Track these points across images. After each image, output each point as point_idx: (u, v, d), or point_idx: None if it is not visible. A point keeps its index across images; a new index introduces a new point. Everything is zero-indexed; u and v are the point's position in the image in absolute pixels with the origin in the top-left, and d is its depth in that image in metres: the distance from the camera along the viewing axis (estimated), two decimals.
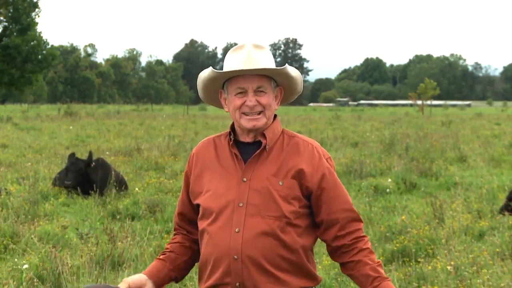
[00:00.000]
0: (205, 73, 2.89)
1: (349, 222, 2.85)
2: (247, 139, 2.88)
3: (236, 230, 2.76)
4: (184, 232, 3.04)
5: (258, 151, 2.84)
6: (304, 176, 2.81)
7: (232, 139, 2.88)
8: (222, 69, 2.85)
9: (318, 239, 2.94)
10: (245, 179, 2.81)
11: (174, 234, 3.09)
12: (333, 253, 2.90)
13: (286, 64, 2.86)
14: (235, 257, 2.75)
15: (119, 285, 2.80)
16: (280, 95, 2.93)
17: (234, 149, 2.87)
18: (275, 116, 2.93)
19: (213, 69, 2.84)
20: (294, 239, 2.79)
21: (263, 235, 2.75)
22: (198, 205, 2.92)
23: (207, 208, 2.85)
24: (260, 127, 2.83)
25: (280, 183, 2.80)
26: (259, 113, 2.82)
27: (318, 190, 2.83)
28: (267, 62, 2.83)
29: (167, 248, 3.03)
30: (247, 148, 2.87)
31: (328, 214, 2.84)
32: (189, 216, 3.01)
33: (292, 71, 2.88)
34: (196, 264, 3.07)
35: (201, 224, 2.90)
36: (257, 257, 2.75)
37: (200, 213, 2.91)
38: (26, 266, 6.32)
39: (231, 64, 2.82)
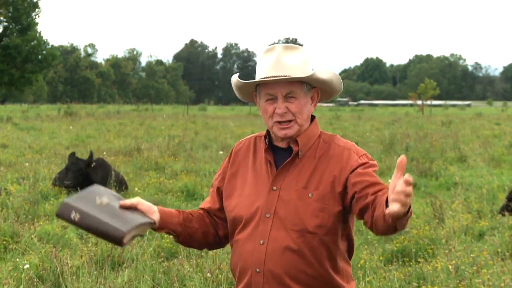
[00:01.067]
0: (233, 79, 2.83)
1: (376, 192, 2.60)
2: (281, 144, 2.78)
3: (261, 242, 2.67)
4: (207, 212, 2.92)
5: (290, 158, 2.74)
6: (334, 181, 2.68)
7: (267, 143, 2.80)
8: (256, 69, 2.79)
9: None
10: (275, 188, 2.72)
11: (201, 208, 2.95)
12: (366, 224, 2.61)
13: (314, 70, 2.72)
14: (258, 270, 2.67)
15: (132, 199, 2.70)
16: (317, 96, 2.81)
17: (269, 155, 2.78)
18: (313, 117, 2.82)
19: (239, 79, 2.78)
20: (321, 255, 2.68)
21: (287, 251, 2.65)
22: (226, 207, 2.84)
23: (238, 215, 2.77)
24: (292, 135, 2.72)
25: (310, 195, 2.68)
26: (290, 121, 2.71)
27: (349, 181, 2.65)
28: (298, 65, 2.71)
29: (200, 209, 2.93)
30: (282, 154, 2.77)
31: (359, 192, 2.60)
32: (213, 210, 2.90)
33: (323, 74, 2.75)
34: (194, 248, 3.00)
35: (232, 234, 2.82)
36: (279, 273, 2.65)
37: (229, 222, 2.83)
38: (27, 266, 6.32)
39: (260, 68, 2.74)
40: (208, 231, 2.89)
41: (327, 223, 2.68)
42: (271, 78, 2.67)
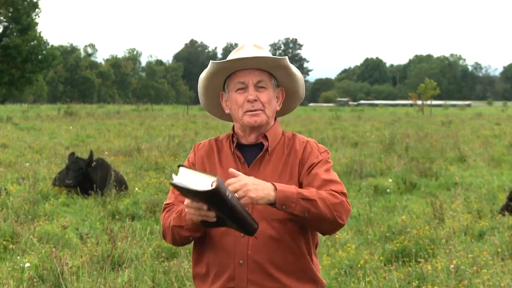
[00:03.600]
0: (205, 70, 2.88)
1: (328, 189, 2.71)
2: (249, 140, 2.85)
3: (242, 235, 2.70)
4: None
5: (261, 153, 2.81)
6: (299, 170, 2.79)
7: (235, 141, 2.85)
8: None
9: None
10: None
11: (166, 207, 2.89)
12: None
13: (286, 56, 2.83)
14: (241, 261, 2.71)
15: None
16: (282, 96, 2.90)
17: (237, 152, 2.83)
18: (275, 119, 2.90)
19: (213, 61, 2.83)
20: (301, 242, 2.76)
21: (271, 240, 2.71)
22: None
23: None
24: (261, 123, 2.79)
25: None
26: (259, 110, 2.79)
27: (306, 171, 2.77)
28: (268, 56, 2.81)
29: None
30: (249, 151, 2.84)
31: (309, 183, 2.75)
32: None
33: (293, 66, 2.86)
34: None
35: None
36: (263, 262, 2.71)
37: None
38: (28, 264, 6.32)
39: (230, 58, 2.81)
40: None
41: None
42: (249, 57, 2.74)
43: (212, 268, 2.78)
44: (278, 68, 2.83)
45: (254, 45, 2.84)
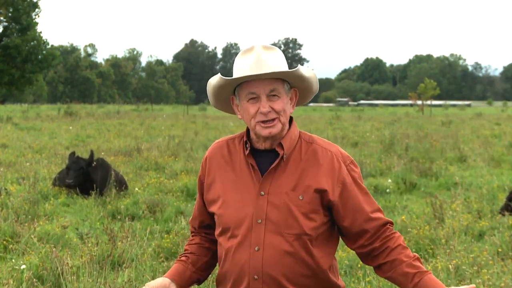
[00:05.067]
0: (214, 80, 2.74)
1: (377, 230, 2.70)
2: (263, 146, 2.73)
3: (256, 248, 2.64)
4: (202, 234, 2.94)
5: (276, 162, 2.69)
6: (325, 191, 2.67)
7: (249, 148, 2.73)
8: (232, 74, 2.72)
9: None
10: (263, 193, 2.67)
11: (192, 235, 2.98)
12: (364, 258, 2.76)
13: (299, 65, 2.71)
14: (255, 277, 2.65)
15: None
16: (295, 97, 2.78)
17: (250, 159, 2.72)
18: (291, 119, 2.79)
19: (222, 76, 2.69)
20: (317, 255, 2.68)
21: (285, 255, 2.64)
22: (213, 213, 2.82)
23: (223, 222, 2.74)
24: (276, 134, 2.67)
25: (300, 197, 2.66)
26: (274, 120, 2.66)
27: (340, 202, 2.69)
28: (278, 63, 2.67)
29: (186, 250, 2.93)
30: (263, 157, 2.72)
31: (355, 227, 2.70)
32: (206, 221, 2.90)
33: (306, 71, 2.73)
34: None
35: (219, 237, 2.79)
36: (278, 277, 2.64)
37: (216, 224, 2.80)
38: (23, 266, 6.32)
39: (240, 68, 2.67)
40: (214, 252, 2.91)
41: (321, 223, 2.69)
42: (258, 74, 2.61)
43: (229, 278, 2.75)
44: (291, 77, 2.71)
45: (263, 47, 2.69)
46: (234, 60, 2.77)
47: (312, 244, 2.67)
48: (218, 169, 2.80)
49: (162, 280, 2.78)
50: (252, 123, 2.69)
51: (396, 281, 2.66)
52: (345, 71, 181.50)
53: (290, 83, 2.73)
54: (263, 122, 2.66)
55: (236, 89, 2.73)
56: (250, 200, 2.68)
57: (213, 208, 2.80)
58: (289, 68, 2.71)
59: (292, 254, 2.64)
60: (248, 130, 2.78)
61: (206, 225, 2.93)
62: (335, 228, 2.78)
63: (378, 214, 2.72)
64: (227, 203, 2.74)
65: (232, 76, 2.71)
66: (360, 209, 2.70)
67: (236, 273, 2.70)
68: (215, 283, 2.91)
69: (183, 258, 2.89)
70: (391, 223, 2.74)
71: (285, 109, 2.70)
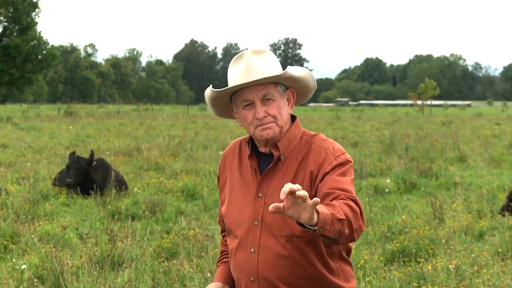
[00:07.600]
0: (207, 93, 2.79)
1: (336, 197, 2.56)
2: (265, 150, 2.77)
3: (252, 250, 2.68)
4: None
5: (272, 164, 2.72)
6: (313, 178, 2.67)
7: (250, 150, 2.78)
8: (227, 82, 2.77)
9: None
10: (260, 195, 2.71)
11: (223, 236, 3.03)
12: None
13: (287, 68, 2.71)
14: (252, 278, 2.69)
15: None
16: (293, 97, 2.79)
17: (253, 161, 2.77)
18: (294, 118, 2.80)
19: (213, 89, 2.74)
20: (313, 258, 2.68)
21: (279, 257, 2.66)
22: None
23: (227, 222, 2.81)
24: (274, 136, 2.70)
25: None
26: (270, 123, 2.69)
27: (322, 177, 2.65)
28: (269, 67, 2.68)
29: (223, 251, 2.98)
30: (265, 159, 2.76)
31: (320, 193, 2.61)
32: None
33: (296, 71, 2.74)
34: None
35: (226, 237, 2.88)
36: (273, 279, 2.67)
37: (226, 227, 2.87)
38: (24, 266, 6.32)
39: (231, 77, 2.70)
40: None
41: None
42: (246, 82, 2.63)
43: (234, 277, 2.82)
44: (282, 79, 2.72)
45: (253, 51, 2.71)
46: None
47: (307, 246, 2.67)
48: (230, 169, 2.87)
49: (215, 286, 2.85)
50: (251, 129, 2.73)
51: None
52: (345, 71, 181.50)
53: (284, 84, 2.74)
54: (260, 125, 2.70)
55: (232, 97, 2.76)
56: (250, 202, 2.72)
57: (222, 208, 2.86)
58: (283, 69, 2.73)
59: (285, 257, 2.66)
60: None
61: None
62: None
63: (346, 193, 2.58)
64: (231, 204, 2.79)
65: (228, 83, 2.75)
66: (332, 183, 2.61)
67: (237, 274, 2.76)
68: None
69: (225, 260, 2.94)
70: (359, 206, 2.61)
71: (281, 111, 2.72)
